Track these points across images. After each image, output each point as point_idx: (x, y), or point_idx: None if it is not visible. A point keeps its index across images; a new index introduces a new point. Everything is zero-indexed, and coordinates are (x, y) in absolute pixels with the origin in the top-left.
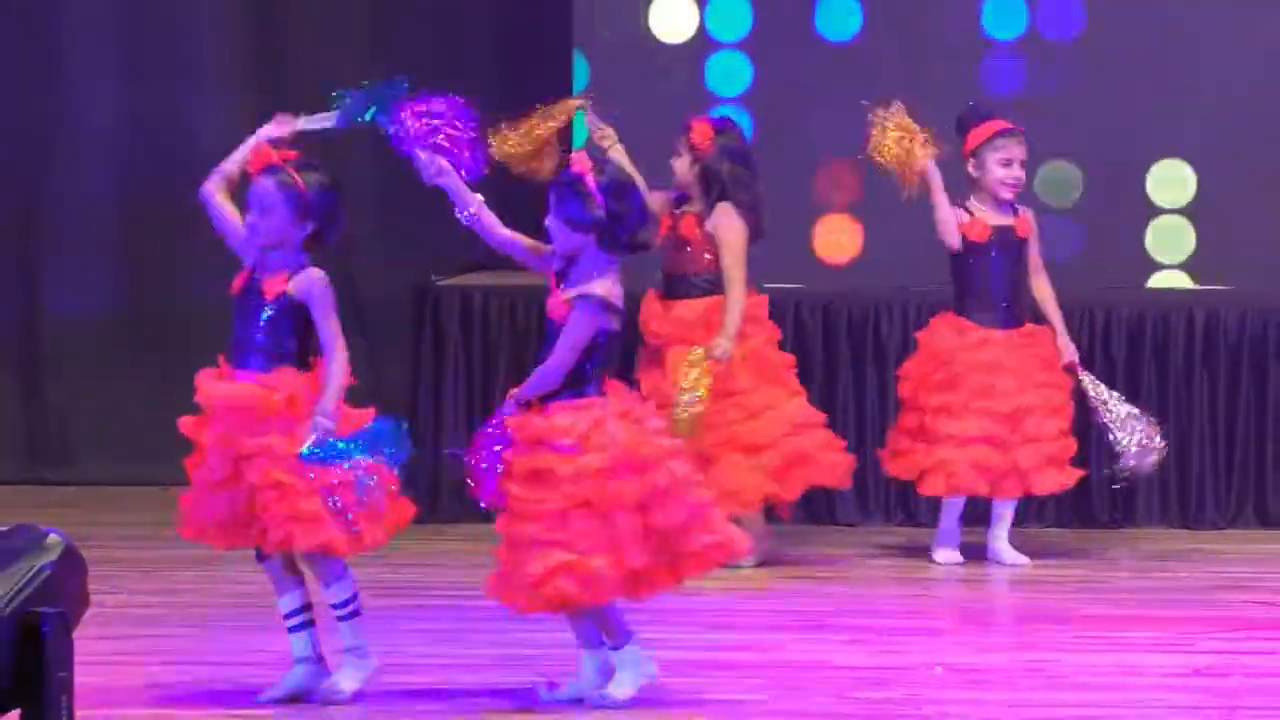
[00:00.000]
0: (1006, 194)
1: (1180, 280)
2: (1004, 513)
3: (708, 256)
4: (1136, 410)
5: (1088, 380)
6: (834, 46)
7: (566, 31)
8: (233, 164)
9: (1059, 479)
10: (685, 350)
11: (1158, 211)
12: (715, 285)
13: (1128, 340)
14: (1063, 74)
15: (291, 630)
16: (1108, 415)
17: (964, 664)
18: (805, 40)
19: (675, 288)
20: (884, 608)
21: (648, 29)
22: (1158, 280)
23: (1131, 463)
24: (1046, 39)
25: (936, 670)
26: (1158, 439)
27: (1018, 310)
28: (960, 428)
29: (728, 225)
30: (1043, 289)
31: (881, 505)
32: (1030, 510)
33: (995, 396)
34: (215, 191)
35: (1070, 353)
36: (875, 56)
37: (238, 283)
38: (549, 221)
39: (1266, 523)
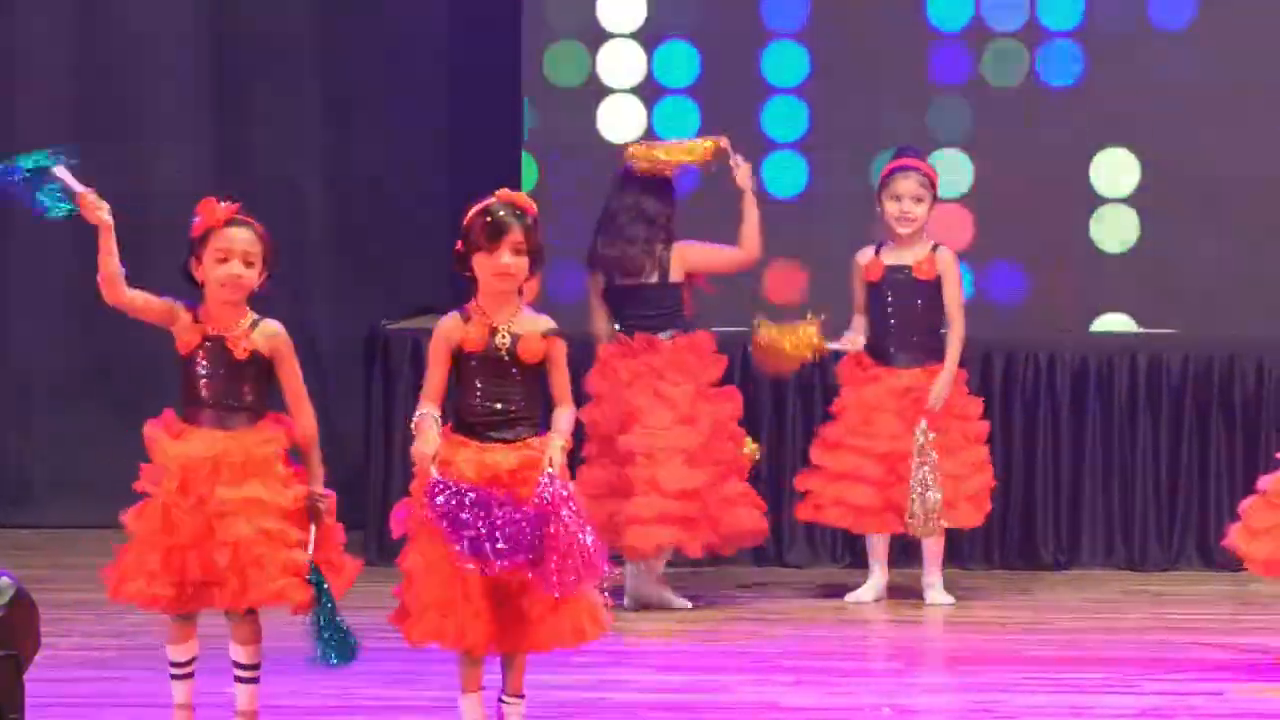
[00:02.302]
0: (900, 229)
1: (1124, 324)
2: (932, 554)
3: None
4: (938, 496)
5: (923, 436)
6: (780, 90)
7: (515, 79)
8: (109, 258)
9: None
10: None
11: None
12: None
13: (1072, 382)
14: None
15: (185, 679)
16: (915, 477)
17: (912, 705)
18: (749, 81)
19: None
20: (832, 649)
21: (596, 75)
22: (1102, 324)
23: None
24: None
25: (885, 712)
26: (939, 524)
27: (912, 350)
28: (833, 461)
29: None
30: (950, 332)
31: (828, 547)
32: (975, 551)
33: (872, 435)
34: (122, 293)
35: (933, 400)
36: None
37: (191, 340)
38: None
39: (1210, 563)
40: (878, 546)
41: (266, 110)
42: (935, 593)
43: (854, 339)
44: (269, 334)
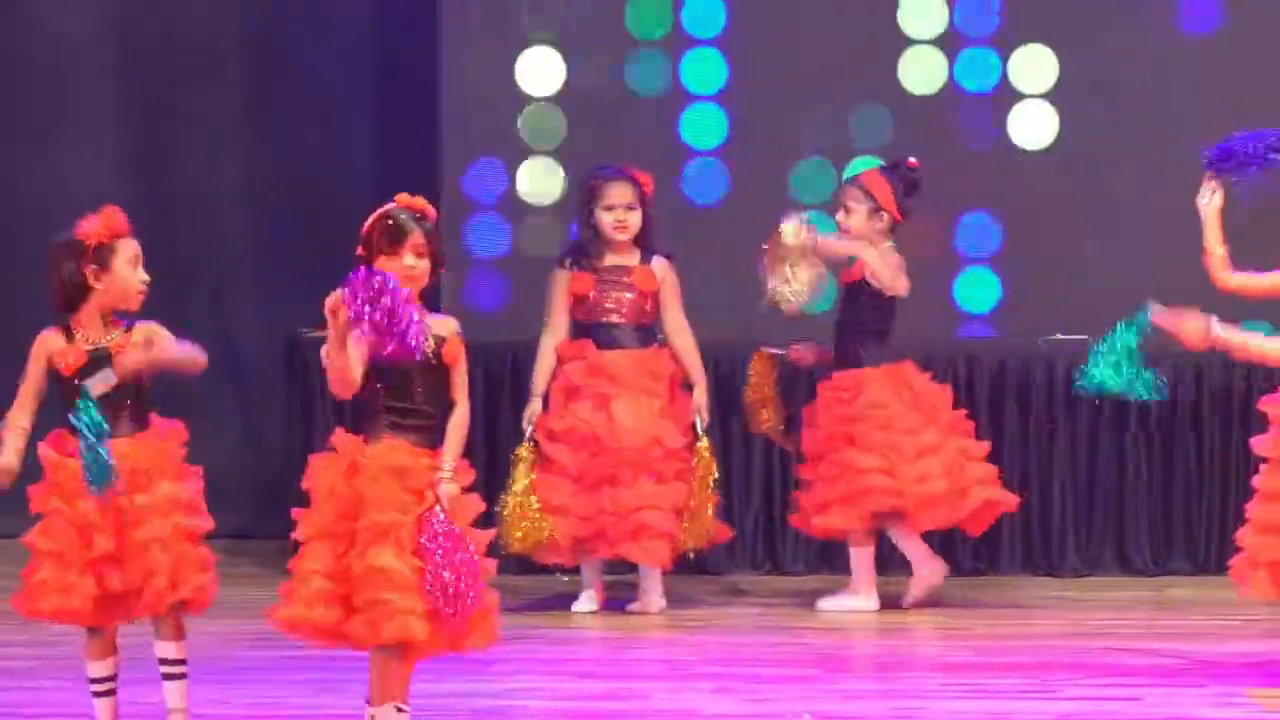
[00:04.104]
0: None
1: (1043, 330)
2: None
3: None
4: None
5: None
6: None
7: (436, 87)
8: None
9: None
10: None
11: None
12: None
13: (989, 388)
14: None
15: (107, 695)
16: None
17: (832, 711)
18: (672, 90)
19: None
20: (752, 655)
21: (516, 83)
22: (1021, 330)
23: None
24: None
25: (805, 718)
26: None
27: (851, 353)
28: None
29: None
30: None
31: (749, 553)
32: (894, 559)
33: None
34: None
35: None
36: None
37: (77, 359)
38: None
39: (1127, 569)
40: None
41: (186, 113)
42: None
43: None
44: (153, 336)
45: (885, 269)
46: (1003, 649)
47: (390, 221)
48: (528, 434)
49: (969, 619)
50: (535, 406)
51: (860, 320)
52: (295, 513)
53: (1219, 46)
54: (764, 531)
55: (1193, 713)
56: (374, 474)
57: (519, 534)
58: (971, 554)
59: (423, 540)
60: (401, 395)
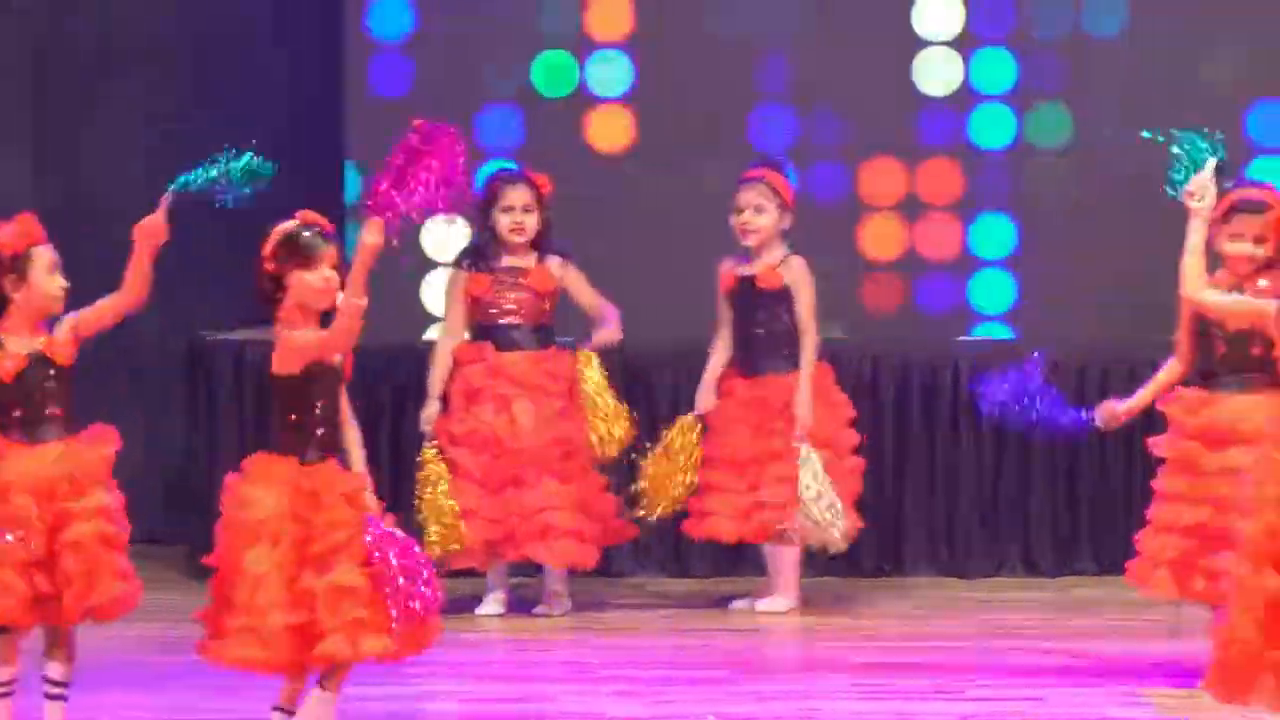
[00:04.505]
0: (744, 240)
1: (950, 331)
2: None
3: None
4: (836, 505)
5: (804, 451)
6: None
7: (339, 90)
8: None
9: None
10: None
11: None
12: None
13: (895, 390)
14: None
15: (5, 697)
16: (805, 493)
17: (738, 713)
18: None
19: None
20: (657, 658)
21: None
22: (924, 331)
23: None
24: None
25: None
26: (838, 530)
27: (753, 359)
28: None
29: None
30: (804, 342)
31: (655, 556)
32: (801, 560)
33: (723, 444)
34: None
35: (801, 421)
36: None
37: (17, 363)
38: None
39: (1032, 571)
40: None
41: (91, 114)
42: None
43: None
44: (66, 338)
45: (809, 279)
46: (908, 650)
47: (306, 234)
48: (428, 436)
49: (875, 620)
50: (433, 409)
51: (784, 327)
52: (227, 537)
53: None
54: (671, 534)
55: (1095, 713)
56: (332, 501)
57: (434, 539)
58: (877, 555)
59: (374, 551)
60: (331, 409)
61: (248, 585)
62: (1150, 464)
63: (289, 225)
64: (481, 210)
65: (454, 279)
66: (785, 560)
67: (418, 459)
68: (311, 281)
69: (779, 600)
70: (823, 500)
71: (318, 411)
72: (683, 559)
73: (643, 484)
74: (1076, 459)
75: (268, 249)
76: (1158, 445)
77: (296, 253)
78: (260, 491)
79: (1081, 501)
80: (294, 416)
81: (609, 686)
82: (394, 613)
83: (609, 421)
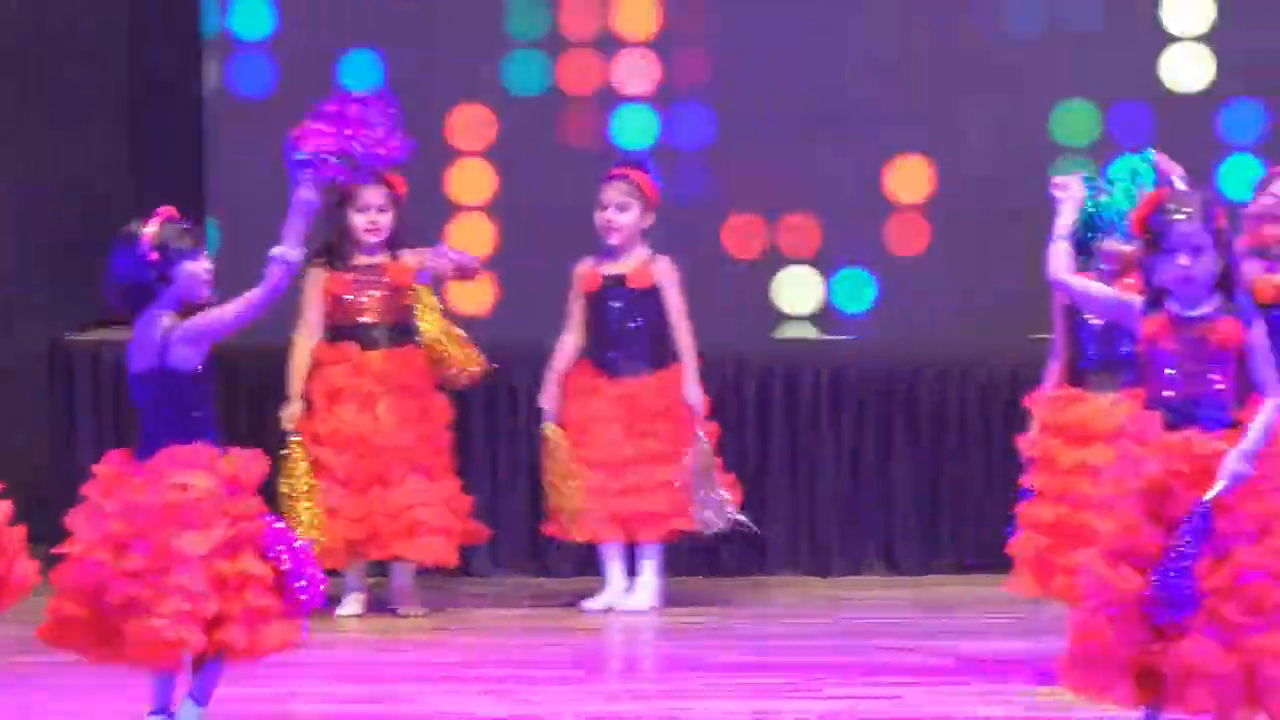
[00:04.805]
0: (608, 239)
1: (806, 330)
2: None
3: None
4: (727, 495)
5: (702, 437)
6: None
7: (198, 88)
8: None
9: (663, 528)
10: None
11: (788, 263)
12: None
13: (757, 390)
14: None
15: None
16: (700, 476)
17: (598, 713)
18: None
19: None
20: (519, 658)
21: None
22: (785, 331)
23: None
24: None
25: (569, 719)
26: (730, 515)
27: (641, 356)
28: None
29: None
30: (680, 338)
31: (516, 555)
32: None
33: (595, 444)
34: None
35: (697, 407)
36: None
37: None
38: None
39: (892, 569)
40: (611, 554)
41: None
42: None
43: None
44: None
45: (677, 277)
46: (768, 649)
47: (190, 226)
48: (290, 435)
49: (736, 619)
50: (295, 408)
51: (655, 326)
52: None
53: None
54: (529, 533)
55: (955, 711)
56: (248, 489)
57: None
58: (739, 554)
59: (266, 544)
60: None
61: (188, 570)
62: (1010, 462)
63: (166, 216)
64: (334, 210)
65: (313, 278)
66: (649, 560)
67: (281, 458)
68: (197, 272)
69: (641, 598)
70: (718, 486)
71: (207, 398)
72: (542, 557)
73: (554, 502)
74: (937, 458)
75: (152, 241)
76: (1025, 443)
77: (182, 243)
78: (193, 476)
79: (942, 500)
80: (200, 403)
81: (471, 686)
82: (290, 606)
83: (460, 353)
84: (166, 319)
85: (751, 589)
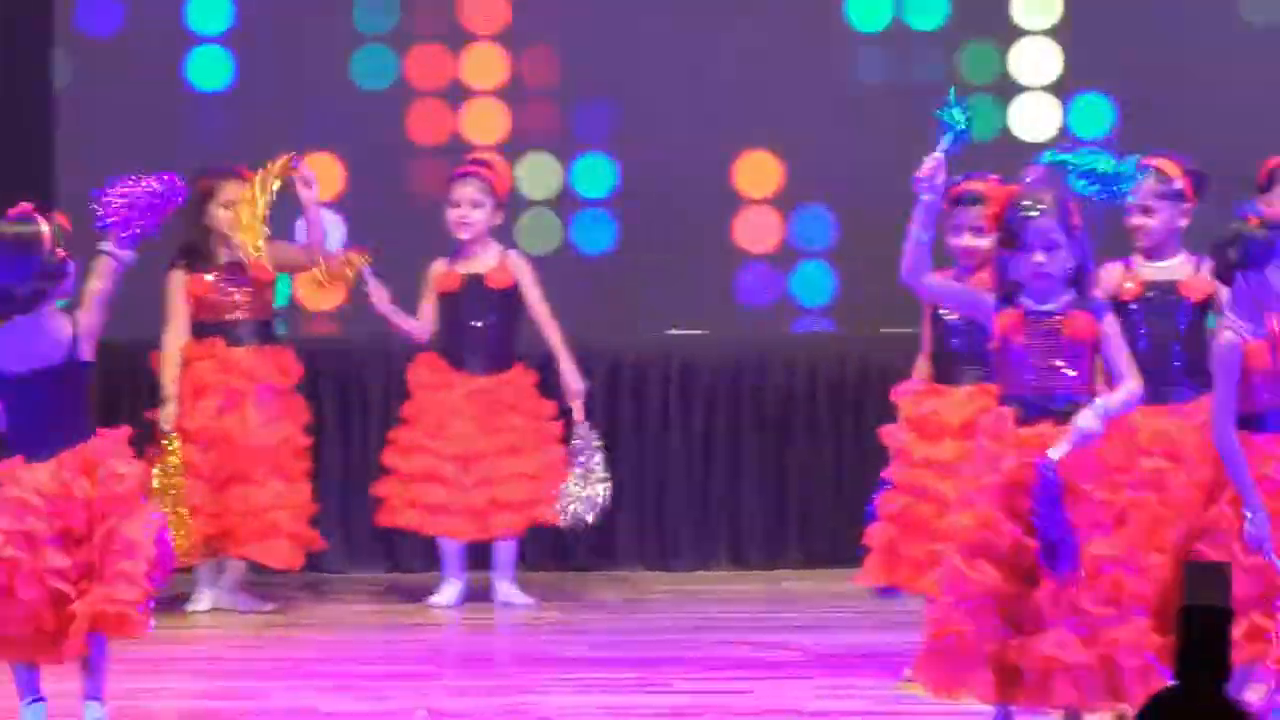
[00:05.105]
0: (460, 234)
1: (663, 324)
2: (503, 553)
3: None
4: (605, 476)
5: (581, 427)
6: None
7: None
8: None
9: (514, 521)
10: None
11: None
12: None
13: (606, 384)
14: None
15: None
16: (579, 467)
17: (448, 708)
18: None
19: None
20: (369, 654)
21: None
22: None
23: (571, 515)
24: None
25: (420, 714)
26: (602, 498)
27: (499, 354)
28: (407, 464)
29: None
30: (549, 330)
31: (368, 552)
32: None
33: (449, 437)
34: None
35: (573, 394)
36: None
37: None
38: None
39: (740, 564)
40: (452, 553)
41: None
42: (513, 593)
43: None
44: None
45: (533, 271)
46: (617, 643)
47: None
48: (168, 435)
49: (584, 613)
50: (172, 408)
51: (512, 325)
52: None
53: None
54: (381, 530)
55: (804, 705)
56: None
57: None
58: (587, 548)
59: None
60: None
61: (142, 555)
62: (860, 453)
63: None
64: (194, 207)
65: (176, 281)
66: (502, 555)
67: (155, 454)
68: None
69: (512, 593)
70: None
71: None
72: (394, 554)
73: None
74: (783, 453)
75: (54, 240)
76: (886, 435)
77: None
78: (125, 464)
79: (789, 495)
80: (86, 398)
81: (322, 682)
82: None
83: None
84: (68, 314)
85: (600, 583)
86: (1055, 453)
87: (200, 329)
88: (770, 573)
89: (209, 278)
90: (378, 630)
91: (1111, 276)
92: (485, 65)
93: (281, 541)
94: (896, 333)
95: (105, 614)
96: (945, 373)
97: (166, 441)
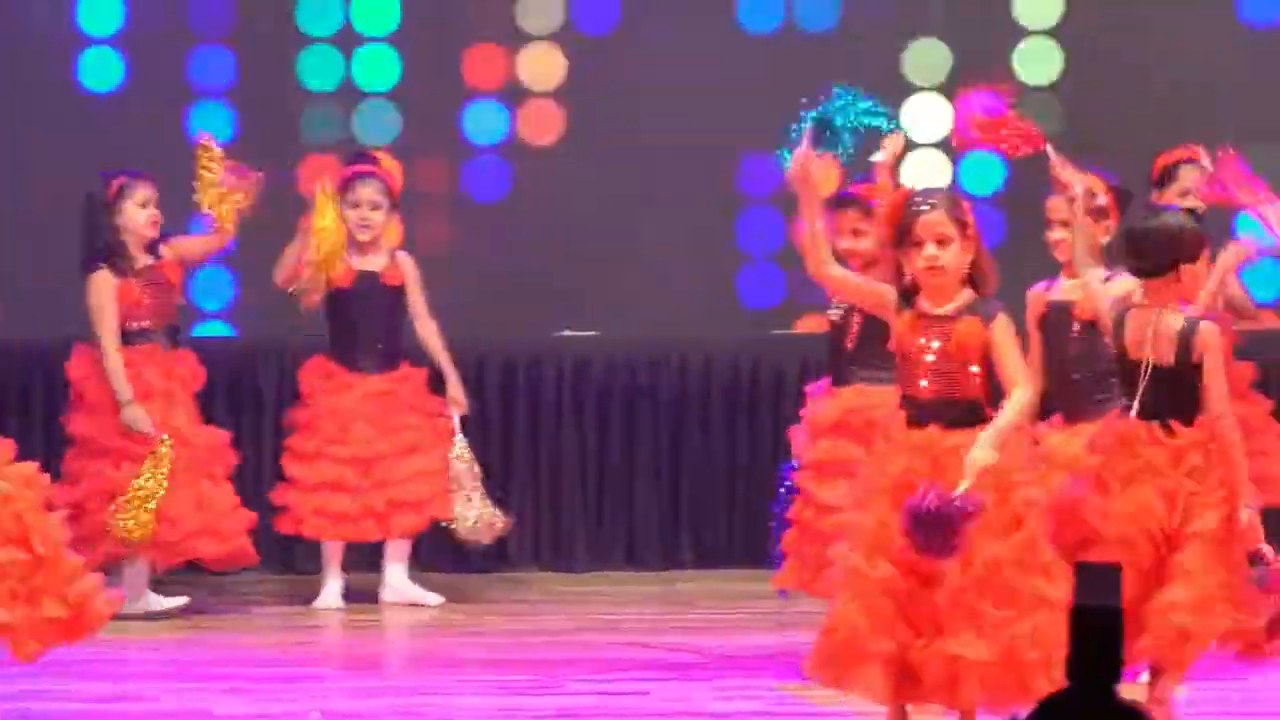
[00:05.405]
0: (360, 236)
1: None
2: (399, 553)
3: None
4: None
5: (459, 445)
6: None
7: None
8: None
9: (414, 521)
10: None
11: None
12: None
13: (499, 386)
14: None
15: None
16: (459, 485)
17: (342, 709)
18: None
19: None
20: (264, 655)
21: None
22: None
23: (467, 535)
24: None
25: (314, 716)
26: (499, 523)
27: (391, 353)
28: (308, 473)
29: None
30: (429, 335)
31: (264, 554)
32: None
33: (349, 441)
34: None
35: (456, 405)
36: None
37: None
38: None
39: (634, 564)
40: (334, 553)
41: None
42: (413, 590)
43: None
44: None
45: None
46: (512, 645)
47: None
48: (151, 435)
49: (480, 615)
50: (139, 409)
51: (402, 324)
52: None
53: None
54: (270, 531)
55: (700, 706)
56: None
57: (130, 524)
58: (483, 550)
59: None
60: None
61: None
62: (753, 454)
63: None
64: (107, 208)
65: (106, 282)
66: (397, 554)
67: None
68: None
69: (413, 592)
70: (479, 491)
71: None
72: (289, 556)
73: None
74: (678, 453)
75: None
76: (794, 436)
77: None
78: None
79: (683, 496)
80: None
81: (214, 684)
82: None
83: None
84: None
85: (496, 585)
86: (960, 491)
87: (129, 335)
88: (666, 574)
89: (133, 282)
90: (272, 632)
91: (1032, 296)
92: (377, 66)
93: (241, 540)
94: (788, 334)
95: None
96: (835, 373)
97: (161, 444)
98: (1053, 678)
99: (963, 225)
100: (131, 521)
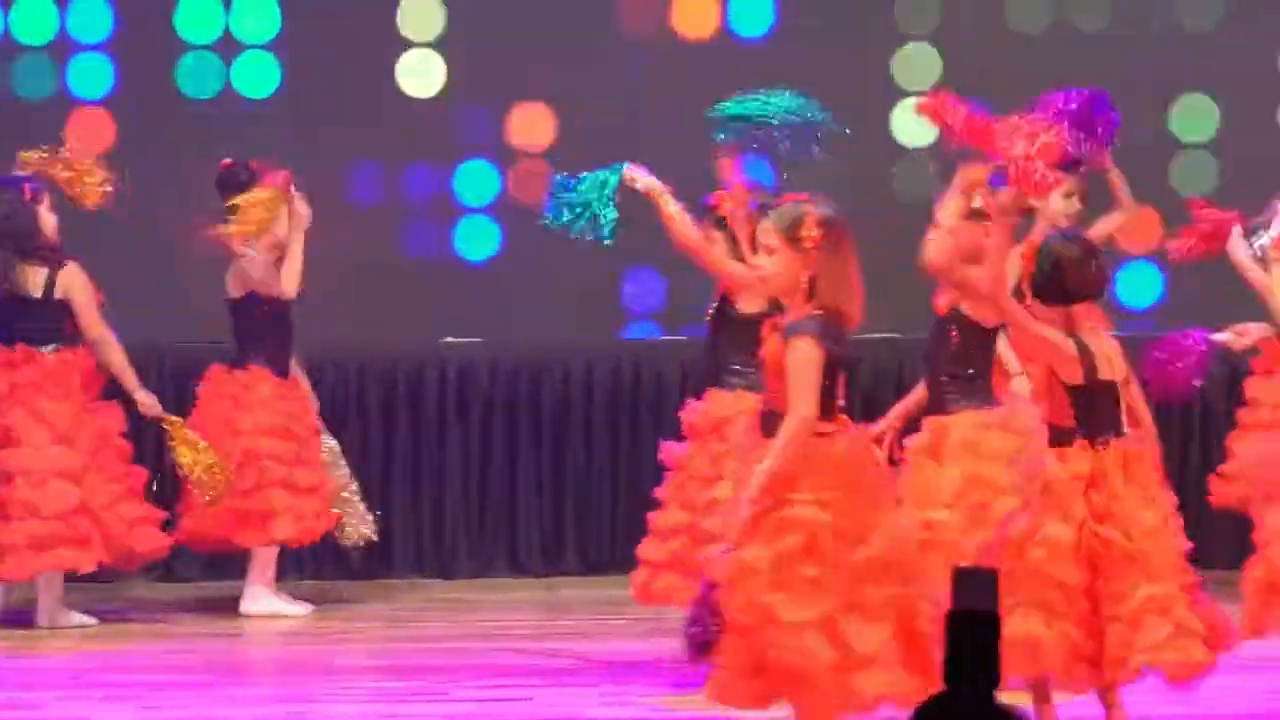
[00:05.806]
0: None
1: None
2: (265, 561)
3: None
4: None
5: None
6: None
7: None
8: None
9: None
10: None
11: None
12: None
13: (381, 393)
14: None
15: None
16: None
17: (224, 716)
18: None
19: None
20: (146, 664)
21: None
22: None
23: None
24: None
25: None
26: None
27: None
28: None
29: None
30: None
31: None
32: (287, 560)
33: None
34: None
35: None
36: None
37: None
38: None
39: (517, 571)
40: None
41: None
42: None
43: None
44: None
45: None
46: (393, 651)
47: None
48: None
49: (361, 621)
50: (149, 394)
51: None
52: None
53: None
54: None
55: (582, 712)
56: None
57: (205, 478)
58: (364, 556)
59: None
60: None
61: None
62: (635, 463)
63: None
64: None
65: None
66: (263, 559)
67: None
68: None
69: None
70: (357, 494)
71: None
72: (170, 563)
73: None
74: (560, 460)
75: None
76: (665, 448)
77: None
78: None
79: (566, 502)
80: None
81: (98, 692)
82: None
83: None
84: None
85: (377, 591)
86: (721, 549)
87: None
88: (548, 580)
89: None
90: (154, 640)
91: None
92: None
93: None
94: (672, 340)
95: None
96: (717, 379)
97: (169, 425)
98: (804, 686)
99: (796, 240)
100: (209, 484)
